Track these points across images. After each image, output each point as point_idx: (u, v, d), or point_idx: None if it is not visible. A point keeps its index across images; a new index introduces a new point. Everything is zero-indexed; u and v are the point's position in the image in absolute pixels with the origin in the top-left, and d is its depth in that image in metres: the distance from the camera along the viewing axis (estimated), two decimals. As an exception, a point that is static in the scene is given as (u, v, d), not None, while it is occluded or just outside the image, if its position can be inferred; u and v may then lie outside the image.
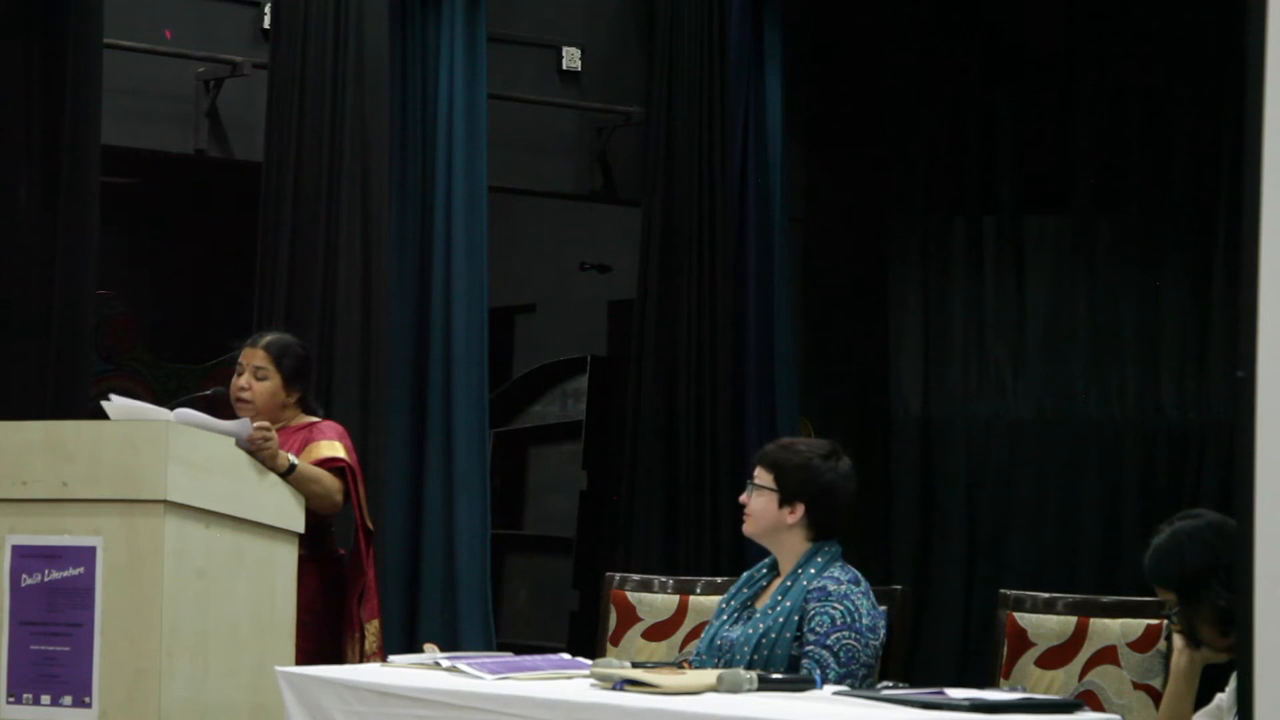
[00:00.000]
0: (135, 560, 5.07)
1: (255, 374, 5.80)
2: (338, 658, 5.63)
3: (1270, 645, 2.57)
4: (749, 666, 4.43)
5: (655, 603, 5.33)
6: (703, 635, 4.78)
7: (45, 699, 5.12)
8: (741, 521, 4.76)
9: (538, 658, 4.64)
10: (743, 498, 4.73)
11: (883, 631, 4.58)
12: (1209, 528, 3.87)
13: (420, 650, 4.88)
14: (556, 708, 4.08)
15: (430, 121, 7.61)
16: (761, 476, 4.68)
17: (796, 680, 4.24)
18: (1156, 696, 4.51)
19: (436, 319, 7.58)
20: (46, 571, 5.14)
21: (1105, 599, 4.78)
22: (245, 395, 5.77)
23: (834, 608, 4.51)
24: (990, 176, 8.84)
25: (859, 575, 4.63)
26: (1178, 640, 3.93)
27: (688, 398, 8.09)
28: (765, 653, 4.51)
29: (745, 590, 4.75)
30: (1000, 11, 8.75)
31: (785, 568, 4.67)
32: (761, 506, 4.67)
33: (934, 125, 8.93)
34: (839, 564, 4.64)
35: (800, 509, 4.64)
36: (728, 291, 8.22)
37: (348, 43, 7.17)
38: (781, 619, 4.54)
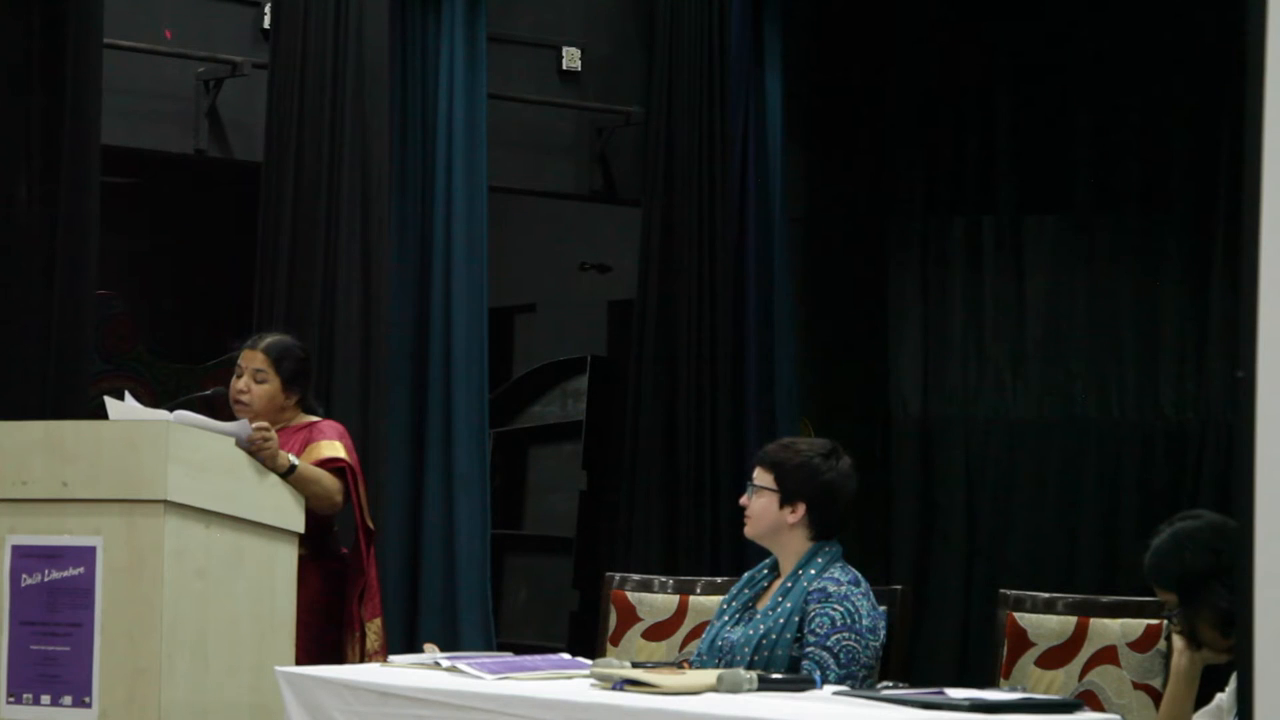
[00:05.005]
0: (135, 560, 5.07)
1: (254, 377, 5.80)
2: (338, 658, 5.63)
3: (1270, 645, 2.57)
4: (749, 667, 4.43)
5: (655, 603, 5.33)
6: (703, 636, 4.78)
7: (45, 699, 5.12)
8: (743, 524, 4.76)
9: (538, 658, 4.64)
10: (743, 500, 4.72)
11: (883, 632, 4.58)
12: (1209, 529, 3.86)
13: (420, 650, 4.88)
14: (556, 708, 4.08)
15: (430, 121, 7.61)
16: (761, 477, 4.68)
17: (796, 680, 4.24)
18: (1156, 696, 4.51)
19: (436, 319, 7.58)
20: (46, 571, 5.14)
21: (1105, 599, 4.78)
22: (244, 398, 5.77)
23: (834, 609, 4.51)
24: (990, 176, 8.83)
25: (859, 576, 4.63)
26: (1178, 641, 3.93)
27: (688, 398, 8.09)
28: (765, 653, 4.51)
29: (746, 591, 4.74)
30: (1000, 11, 8.75)
31: (786, 568, 4.67)
32: (762, 507, 4.67)
33: (934, 125, 8.93)
34: (839, 565, 4.63)
35: (801, 509, 4.64)
36: (727, 291, 8.22)
37: (348, 43, 7.17)
38: (782, 620, 4.54)
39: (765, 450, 4.75)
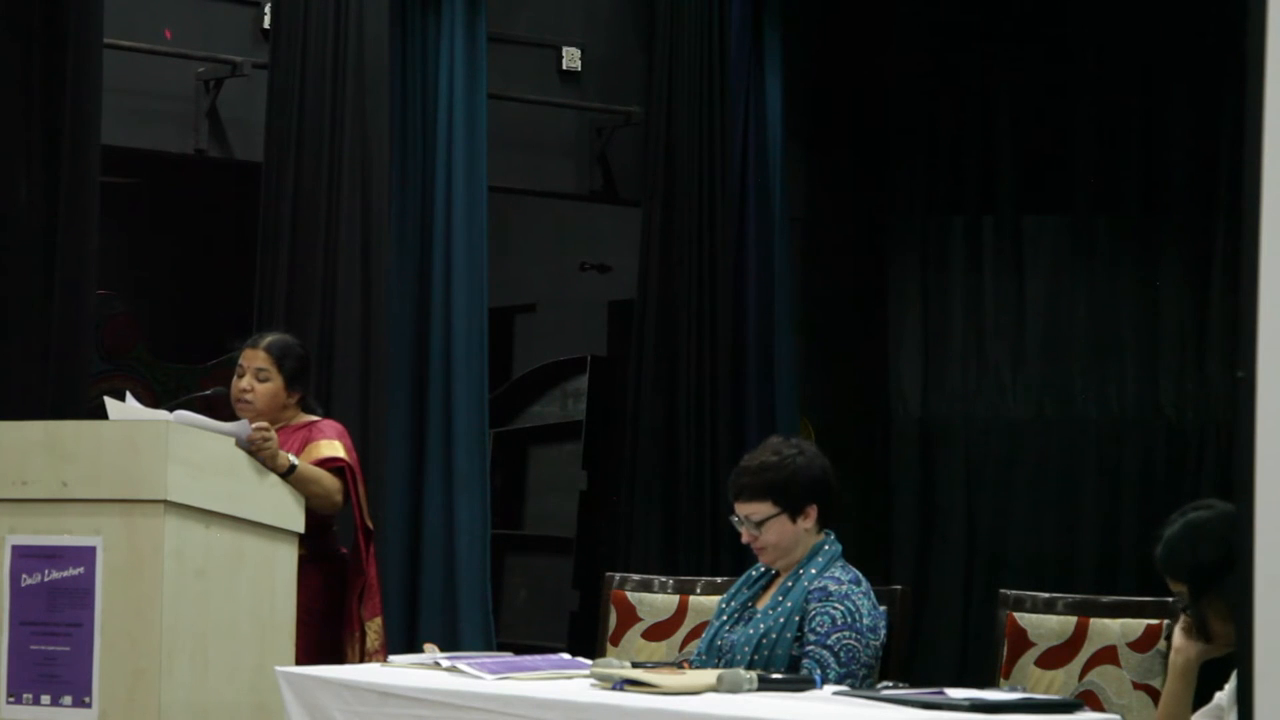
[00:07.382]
0: (135, 560, 5.07)
1: (257, 375, 5.80)
2: (338, 657, 5.63)
3: (1270, 645, 2.57)
4: (749, 667, 4.42)
5: (655, 603, 5.32)
6: (703, 636, 4.77)
7: (45, 699, 5.12)
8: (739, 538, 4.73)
9: (538, 658, 4.64)
10: (746, 539, 4.66)
11: (883, 631, 4.58)
12: (1221, 519, 3.82)
13: (420, 650, 4.88)
14: (556, 708, 4.08)
15: (430, 121, 7.61)
16: (757, 509, 4.60)
17: (796, 680, 4.24)
18: (1156, 696, 4.50)
19: (436, 319, 7.58)
20: (46, 571, 5.14)
21: (1105, 599, 4.77)
22: (247, 397, 5.77)
23: (835, 608, 4.51)
24: (990, 176, 8.84)
25: (860, 575, 4.63)
26: (1176, 639, 3.92)
27: (688, 398, 8.09)
28: (765, 653, 4.51)
29: (745, 591, 4.74)
30: (1000, 12, 8.76)
31: (787, 569, 4.67)
32: (778, 533, 4.61)
33: (934, 125, 8.93)
34: (840, 564, 4.63)
35: (813, 511, 4.63)
36: (727, 291, 8.22)
37: (348, 43, 7.18)
38: (782, 619, 4.54)
39: (743, 484, 4.63)
